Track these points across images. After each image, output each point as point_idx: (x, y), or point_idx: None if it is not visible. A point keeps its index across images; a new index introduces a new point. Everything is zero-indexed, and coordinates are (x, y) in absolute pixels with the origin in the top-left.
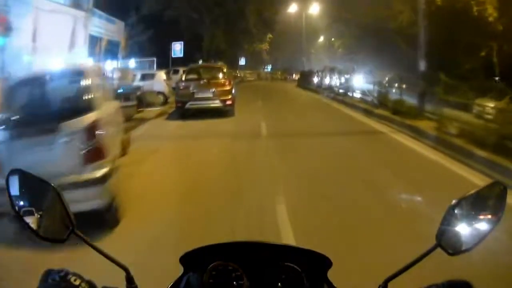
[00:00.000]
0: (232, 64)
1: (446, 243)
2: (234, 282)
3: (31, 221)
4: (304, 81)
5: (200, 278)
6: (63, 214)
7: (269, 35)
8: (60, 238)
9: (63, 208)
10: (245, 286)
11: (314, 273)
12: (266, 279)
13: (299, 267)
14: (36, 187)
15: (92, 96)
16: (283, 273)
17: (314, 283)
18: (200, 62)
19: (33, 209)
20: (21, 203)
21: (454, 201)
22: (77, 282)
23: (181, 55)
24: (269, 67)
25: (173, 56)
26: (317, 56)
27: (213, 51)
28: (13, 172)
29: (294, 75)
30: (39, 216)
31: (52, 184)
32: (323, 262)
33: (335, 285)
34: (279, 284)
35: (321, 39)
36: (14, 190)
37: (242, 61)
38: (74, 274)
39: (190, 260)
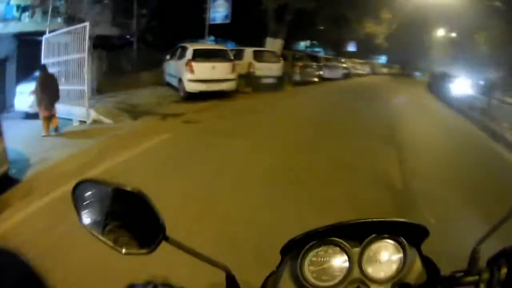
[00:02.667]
0: (336, 49)
1: None
2: (334, 264)
3: (109, 235)
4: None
5: (300, 264)
6: (150, 219)
7: (387, 14)
8: (149, 249)
9: (149, 213)
10: (348, 266)
11: (411, 244)
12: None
13: (396, 241)
14: (108, 196)
15: None
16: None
17: (411, 255)
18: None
19: (109, 221)
20: (93, 216)
21: None
22: None
23: (227, 20)
24: (383, 58)
25: (211, 22)
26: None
27: (289, 15)
28: (79, 183)
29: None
30: (117, 227)
31: (133, 189)
32: (419, 232)
33: (429, 256)
34: (378, 260)
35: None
36: (82, 203)
37: (351, 47)
38: (164, 285)
39: (289, 249)
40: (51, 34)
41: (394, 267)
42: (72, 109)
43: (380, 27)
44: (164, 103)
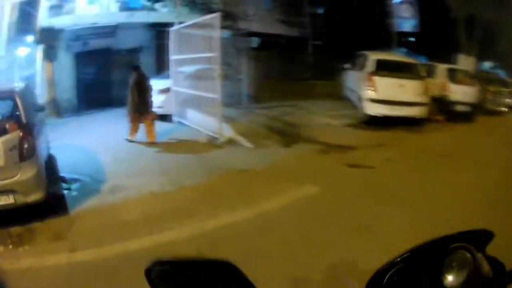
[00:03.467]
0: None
1: None
2: (420, 284)
3: None
4: None
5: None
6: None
7: None
8: None
9: (239, 284)
10: (430, 283)
11: (478, 249)
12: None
13: (467, 249)
14: (189, 271)
15: None
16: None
17: (479, 258)
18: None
19: None
20: None
21: None
22: None
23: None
24: None
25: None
26: None
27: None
28: (154, 265)
29: None
30: None
31: (223, 261)
32: (485, 236)
33: (496, 257)
34: (454, 270)
35: None
36: (159, 282)
37: None
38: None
39: (375, 281)
40: (180, 26)
41: (466, 273)
42: (204, 120)
43: None
44: (335, 125)
